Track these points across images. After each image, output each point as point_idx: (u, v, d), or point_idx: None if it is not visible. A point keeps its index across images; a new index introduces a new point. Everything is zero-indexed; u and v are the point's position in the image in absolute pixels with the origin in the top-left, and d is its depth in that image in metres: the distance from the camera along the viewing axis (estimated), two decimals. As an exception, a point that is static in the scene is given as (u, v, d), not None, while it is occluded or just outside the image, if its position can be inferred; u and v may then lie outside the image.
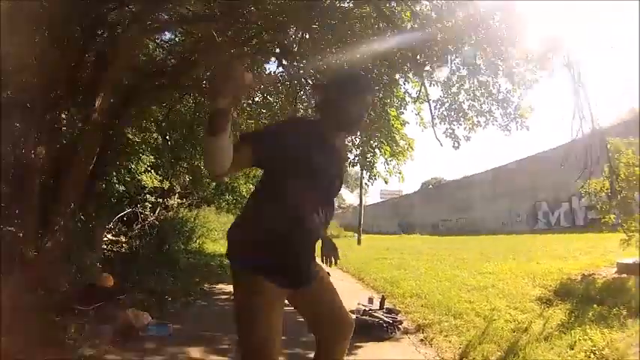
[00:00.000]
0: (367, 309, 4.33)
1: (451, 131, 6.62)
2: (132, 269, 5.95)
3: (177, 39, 7.84)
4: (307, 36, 7.50)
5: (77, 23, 5.40)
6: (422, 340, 3.71)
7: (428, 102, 6.52)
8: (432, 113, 6.40)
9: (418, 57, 5.71)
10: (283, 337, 3.52)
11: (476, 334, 3.53)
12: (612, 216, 5.46)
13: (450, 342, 3.49)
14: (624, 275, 4.96)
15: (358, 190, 22.15)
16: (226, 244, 1.68)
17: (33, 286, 3.58)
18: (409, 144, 7.62)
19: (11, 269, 3.73)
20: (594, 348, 2.93)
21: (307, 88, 8.29)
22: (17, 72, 4.75)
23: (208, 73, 7.94)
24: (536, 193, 18.93)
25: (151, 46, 7.78)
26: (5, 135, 5.01)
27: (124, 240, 8.14)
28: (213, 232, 13.51)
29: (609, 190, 5.37)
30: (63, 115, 5.22)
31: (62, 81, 5.29)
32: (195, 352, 3.26)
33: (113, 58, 5.32)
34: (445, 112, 6.59)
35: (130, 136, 7.97)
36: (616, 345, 2.93)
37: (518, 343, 3.21)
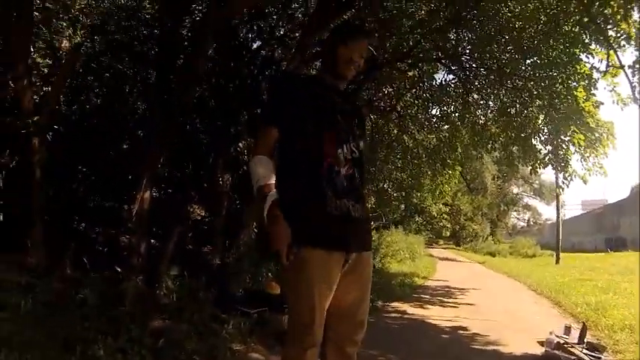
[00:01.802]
0: (562, 341, 3.47)
1: (663, 97, 4.81)
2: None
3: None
4: (469, 34, 7.00)
5: (248, 64, 6.28)
6: (634, 393, 2.63)
7: (622, 69, 4.96)
8: (630, 81, 4.79)
9: (598, 20, 4.48)
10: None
11: None
12: None
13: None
14: None
15: (555, 203, 18.76)
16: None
17: (209, 286, 3.99)
18: (608, 129, 5.97)
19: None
20: None
21: (482, 91, 7.72)
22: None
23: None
24: None
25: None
26: (200, 163, 6.14)
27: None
28: (400, 252, 13.78)
29: None
30: (240, 145, 6.02)
31: (240, 116, 6.18)
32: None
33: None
34: (649, 74, 4.86)
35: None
36: None
37: None
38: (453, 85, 8.05)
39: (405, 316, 5.23)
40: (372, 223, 11.51)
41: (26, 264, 3.17)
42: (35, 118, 3.50)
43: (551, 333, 3.64)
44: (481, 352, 3.69)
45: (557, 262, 15.03)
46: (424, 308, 5.83)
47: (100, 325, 2.64)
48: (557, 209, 18.02)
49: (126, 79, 5.72)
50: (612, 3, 4.23)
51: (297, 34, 6.68)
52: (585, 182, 6.17)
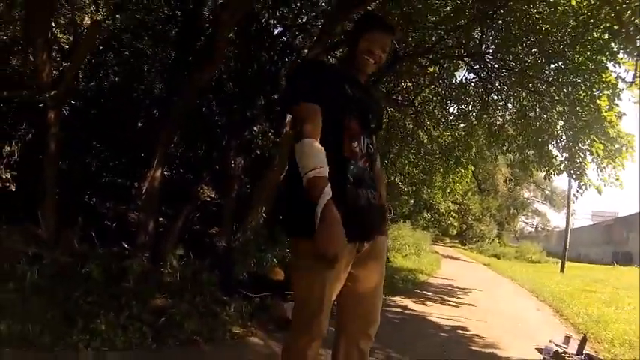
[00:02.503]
0: (560, 351, 3.43)
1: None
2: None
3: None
4: (494, 34, 6.87)
5: (268, 50, 6.25)
6: (629, 408, 2.60)
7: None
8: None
9: (630, 30, 4.34)
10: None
11: None
12: None
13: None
14: None
15: (565, 211, 18.44)
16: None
17: (214, 267, 4.03)
18: (628, 142, 5.81)
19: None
20: None
21: (502, 92, 7.62)
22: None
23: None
24: None
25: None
26: (213, 145, 6.16)
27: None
28: (405, 247, 13.76)
29: None
30: (255, 129, 6.02)
31: (257, 100, 6.17)
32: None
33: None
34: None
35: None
36: None
37: None
38: (473, 84, 7.96)
39: (407, 311, 5.20)
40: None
41: (36, 236, 3.23)
42: (52, 92, 3.52)
43: (550, 341, 3.60)
44: (479, 353, 3.65)
45: (561, 270, 14.84)
46: (425, 305, 5.80)
47: (103, 299, 2.69)
48: (567, 217, 17.71)
49: (145, 58, 5.77)
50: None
51: (319, 23, 6.63)
52: (600, 193, 6.05)
